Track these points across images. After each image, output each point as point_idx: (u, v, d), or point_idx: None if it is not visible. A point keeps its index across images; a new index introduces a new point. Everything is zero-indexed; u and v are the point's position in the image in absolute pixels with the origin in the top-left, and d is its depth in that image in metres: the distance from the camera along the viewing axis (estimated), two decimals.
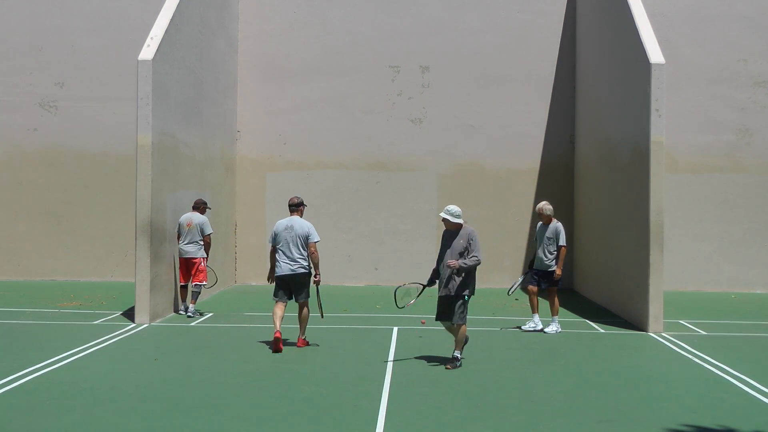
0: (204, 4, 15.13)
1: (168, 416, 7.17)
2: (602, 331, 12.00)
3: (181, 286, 13.05)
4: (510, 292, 12.22)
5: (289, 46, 17.95)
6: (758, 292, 16.87)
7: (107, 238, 17.47)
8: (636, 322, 12.31)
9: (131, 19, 17.32)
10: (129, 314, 12.56)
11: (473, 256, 9.07)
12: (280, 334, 10.05)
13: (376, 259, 17.76)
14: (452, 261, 9.01)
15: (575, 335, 11.64)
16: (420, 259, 17.59)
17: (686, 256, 16.95)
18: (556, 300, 11.79)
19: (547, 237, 11.73)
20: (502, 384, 8.52)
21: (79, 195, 17.59)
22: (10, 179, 17.63)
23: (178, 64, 13.61)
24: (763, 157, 17.11)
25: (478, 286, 9.34)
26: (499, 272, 17.58)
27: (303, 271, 10.16)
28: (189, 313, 12.76)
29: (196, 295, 12.89)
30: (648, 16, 13.15)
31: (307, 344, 10.44)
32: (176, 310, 13.17)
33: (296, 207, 10.37)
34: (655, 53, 12.07)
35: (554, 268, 11.67)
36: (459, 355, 9.23)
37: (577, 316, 13.34)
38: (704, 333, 11.88)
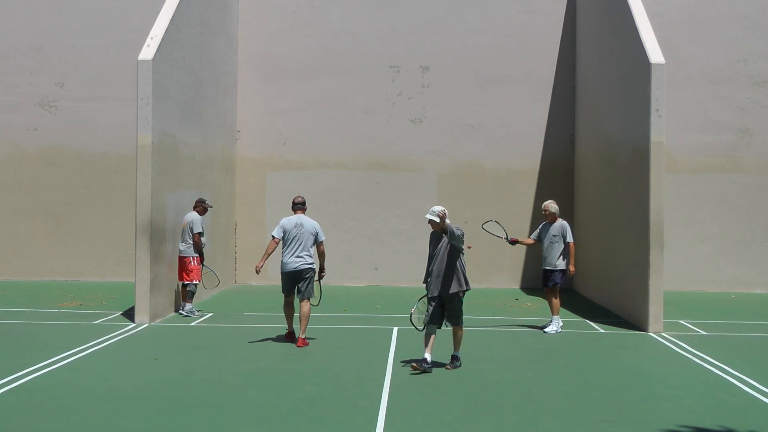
0: (204, 4, 15.13)
1: (168, 416, 7.17)
2: (602, 331, 12.00)
3: (181, 286, 13.08)
4: (484, 226, 11.58)
5: (289, 46, 17.95)
6: (758, 292, 16.87)
7: (107, 238, 17.47)
8: (636, 322, 12.31)
9: (131, 19, 17.32)
10: (129, 314, 12.56)
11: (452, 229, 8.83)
12: (294, 334, 10.77)
13: (376, 259, 17.76)
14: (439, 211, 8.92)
15: (575, 335, 11.64)
16: (420, 259, 17.53)
17: (686, 256, 16.95)
18: (556, 300, 11.77)
19: (553, 235, 11.76)
20: (502, 384, 8.52)
21: (79, 195, 17.59)
22: (10, 179, 17.63)
23: (178, 64, 13.61)
24: (763, 157, 17.11)
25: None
26: (499, 272, 17.59)
27: (307, 267, 10.53)
28: (182, 312, 12.84)
29: (190, 294, 12.90)
30: (648, 16, 13.14)
31: (307, 344, 10.49)
32: (176, 310, 13.19)
33: (303, 205, 10.74)
34: (655, 53, 12.07)
35: (562, 266, 11.69)
36: (459, 355, 9.25)
37: (577, 316, 13.34)
38: (704, 333, 11.88)
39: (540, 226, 12.06)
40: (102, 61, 17.55)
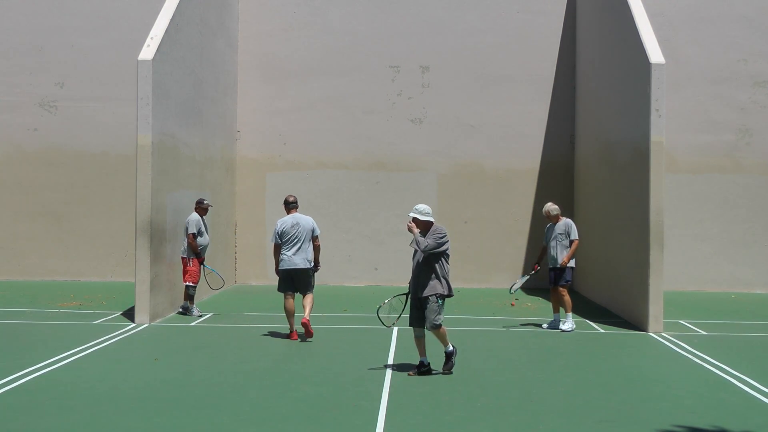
0: (204, 4, 15.13)
1: (168, 416, 7.17)
2: (602, 331, 12.00)
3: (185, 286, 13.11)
4: (512, 291, 12.25)
5: (289, 46, 17.95)
6: (758, 292, 16.86)
7: (107, 238, 17.47)
8: (636, 322, 12.31)
9: (131, 19, 17.32)
10: (129, 314, 12.56)
11: (426, 240, 8.67)
12: (297, 335, 10.86)
13: (376, 259, 17.76)
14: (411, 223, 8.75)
15: (575, 335, 11.64)
16: None
17: (686, 256, 16.95)
18: (567, 297, 11.82)
19: (559, 234, 11.85)
20: (502, 384, 8.52)
21: (79, 195, 17.59)
22: (10, 179, 17.62)
23: (178, 64, 13.61)
24: (763, 157, 17.11)
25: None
26: (499, 272, 17.58)
27: (307, 266, 10.83)
28: (179, 309, 13.03)
29: (188, 295, 12.89)
30: (648, 16, 13.14)
31: (312, 333, 10.76)
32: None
33: (296, 204, 11.02)
34: (655, 53, 12.07)
35: (570, 265, 11.77)
36: (452, 348, 8.88)
37: (577, 316, 13.34)
38: (704, 333, 11.88)
39: (546, 229, 12.13)
40: (102, 61, 17.55)
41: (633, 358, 10.17)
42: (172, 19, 13.15)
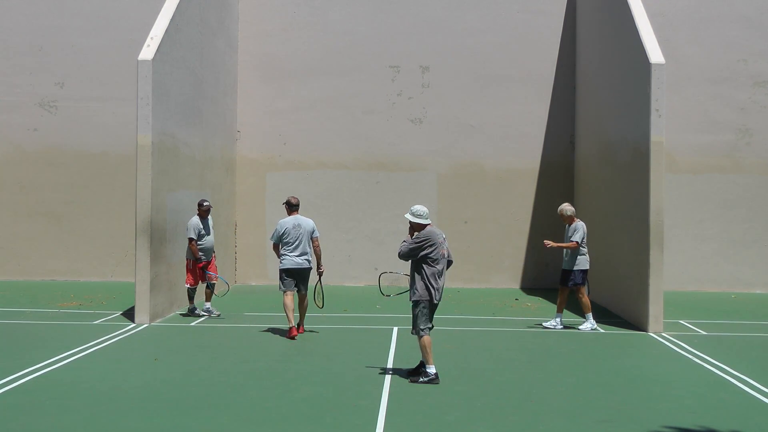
0: (204, 4, 15.13)
1: (168, 416, 7.17)
2: (602, 331, 12.00)
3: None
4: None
5: (289, 46, 17.95)
6: (758, 292, 16.86)
7: (107, 238, 17.47)
8: (636, 322, 12.31)
9: (131, 19, 17.32)
10: (129, 314, 12.56)
11: (401, 245, 8.61)
12: (296, 330, 11.10)
13: (376, 259, 17.74)
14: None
15: (575, 335, 11.64)
16: None
17: (686, 256, 16.95)
18: (584, 298, 11.86)
19: (569, 236, 11.94)
20: (502, 384, 8.52)
21: (79, 195, 17.58)
22: (10, 179, 17.62)
23: (178, 64, 13.61)
24: (763, 157, 17.10)
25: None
26: (499, 272, 17.59)
27: (308, 265, 11.24)
28: (187, 311, 13.05)
29: (188, 295, 12.95)
30: (648, 16, 13.14)
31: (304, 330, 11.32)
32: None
33: (298, 207, 11.37)
34: (655, 53, 12.07)
35: (582, 266, 11.81)
36: (428, 369, 8.48)
37: (578, 316, 13.33)
38: (704, 333, 11.88)
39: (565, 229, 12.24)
40: (102, 61, 17.54)
41: (633, 358, 10.17)
42: (172, 19, 13.15)
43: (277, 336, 11.21)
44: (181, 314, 12.92)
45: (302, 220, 11.19)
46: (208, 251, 12.86)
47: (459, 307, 13.98)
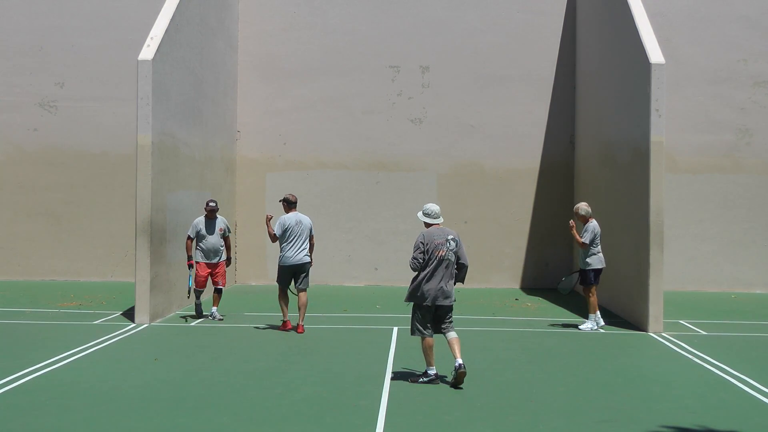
0: (204, 4, 15.13)
1: (168, 416, 7.17)
2: (602, 331, 12.00)
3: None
4: (559, 287, 12.72)
5: (289, 46, 17.95)
6: (758, 292, 16.86)
7: (107, 238, 17.47)
8: (636, 322, 12.31)
9: (131, 19, 17.32)
10: (129, 314, 12.56)
11: None
12: (290, 323, 11.54)
13: (376, 259, 17.76)
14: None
15: (575, 335, 11.64)
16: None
17: (686, 256, 16.95)
18: (592, 298, 11.90)
19: (581, 236, 12.00)
20: (502, 384, 8.52)
21: (79, 195, 17.58)
22: (10, 179, 17.62)
23: (178, 64, 13.61)
24: (763, 157, 17.11)
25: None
26: (499, 272, 17.59)
27: (308, 261, 11.55)
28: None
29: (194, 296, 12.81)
30: (648, 16, 13.14)
31: (303, 331, 11.42)
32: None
33: (296, 204, 11.71)
34: (655, 53, 12.07)
35: (594, 266, 11.88)
36: (428, 370, 8.47)
37: (577, 316, 13.34)
38: (704, 333, 11.88)
39: None
40: (102, 61, 17.54)
41: (633, 358, 10.17)
42: (172, 19, 13.15)
43: (277, 336, 11.21)
44: (182, 316, 12.86)
45: (302, 217, 11.54)
46: (208, 252, 12.50)
47: (459, 307, 13.90)
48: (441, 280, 8.42)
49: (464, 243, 8.94)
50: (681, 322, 12.78)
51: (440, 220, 8.62)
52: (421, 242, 8.44)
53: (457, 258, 8.54)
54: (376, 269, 17.78)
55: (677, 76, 16.62)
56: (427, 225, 8.63)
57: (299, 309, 11.47)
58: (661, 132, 11.93)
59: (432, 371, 8.46)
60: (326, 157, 17.87)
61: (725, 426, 7.03)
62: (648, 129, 11.93)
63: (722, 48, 17.11)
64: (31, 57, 17.62)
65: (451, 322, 8.63)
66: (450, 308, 8.60)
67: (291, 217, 11.44)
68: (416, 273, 8.49)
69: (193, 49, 14.45)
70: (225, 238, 12.63)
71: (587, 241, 11.83)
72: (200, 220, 12.52)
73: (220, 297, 12.70)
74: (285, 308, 11.59)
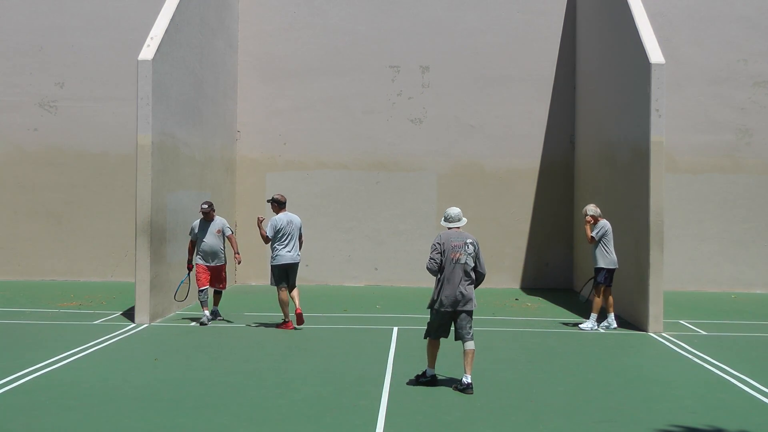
0: (204, 4, 15.13)
1: (168, 416, 7.17)
2: (602, 331, 12.00)
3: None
4: (580, 296, 12.92)
5: (289, 46, 17.95)
6: (758, 292, 16.86)
7: (107, 238, 17.46)
8: (636, 322, 12.31)
9: (131, 19, 17.31)
10: (129, 314, 12.55)
11: None
12: (292, 324, 11.63)
13: (376, 259, 17.76)
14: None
15: (575, 335, 11.65)
16: (420, 259, 17.57)
17: (686, 256, 16.94)
18: (597, 300, 11.94)
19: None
20: (502, 384, 8.52)
21: (79, 195, 17.58)
22: (10, 179, 17.62)
23: (178, 64, 13.61)
24: (763, 157, 17.10)
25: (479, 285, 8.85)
26: (499, 272, 17.57)
27: (299, 259, 11.78)
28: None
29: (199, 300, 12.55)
30: (648, 16, 13.14)
31: (303, 320, 11.67)
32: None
33: (285, 204, 11.83)
34: (655, 53, 12.07)
35: (600, 264, 11.92)
36: (429, 372, 8.45)
37: (577, 316, 13.34)
38: (704, 333, 11.88)
39: None
40: (102, 61, 17.54)
41: (633, 358, 10.17)
42: (172, 19, 13.15)
43: (277, 336, 11.21)
44: (185, 318, 12.82)
45: (292, 217, 11.71)
46: (206, 255, 12.18)
47: None
48: (459, 285, 8.21)
49: None
50: (681, 322, 12.78)
51: (461, 223, 8.43)
52: (437, 243, 8.29)
53: (475, 264, 8.35)
54: (376, 269, 17.77)
55: (677, 76, 16.62)
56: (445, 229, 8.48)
57: (294, 299, 11.72)
58: (661, 132, 11.93)
59: (430, 372, 8.39)
60: (326, 157, 17.87)
61: (725, 426, 7.03)
62: (648, 129, 11.93)
63: (722, 48, 17.11)
64: (31, 57, 17.62)
65: (470, 329, 8.37)
66: (470, 314, 8.36)
67: (282, 218, 11.56)
68: (436, 278, 8.31)
69: (193, 49, 14.46)
70: (228, 238, 12.41)
71: (596, 236, 11.85)
72: (196, 223, 12.31)
73: (219, 297, 12.66)
74: (287, 308, 11.65)
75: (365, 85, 17.85)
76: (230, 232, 12.53)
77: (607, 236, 11.93)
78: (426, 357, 8.52)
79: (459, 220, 8.44)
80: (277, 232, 11.46)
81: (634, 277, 12.46)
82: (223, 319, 12.46)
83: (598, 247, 11.94)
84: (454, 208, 8.53)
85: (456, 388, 8.19)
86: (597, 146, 15.43)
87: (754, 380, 8.70)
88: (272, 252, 11.58)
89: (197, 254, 12.25)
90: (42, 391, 7.97)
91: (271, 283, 11.75)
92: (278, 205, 11.70)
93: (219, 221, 12.38)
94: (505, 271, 17.63)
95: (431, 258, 8.25)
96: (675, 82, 16.27)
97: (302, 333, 11.42)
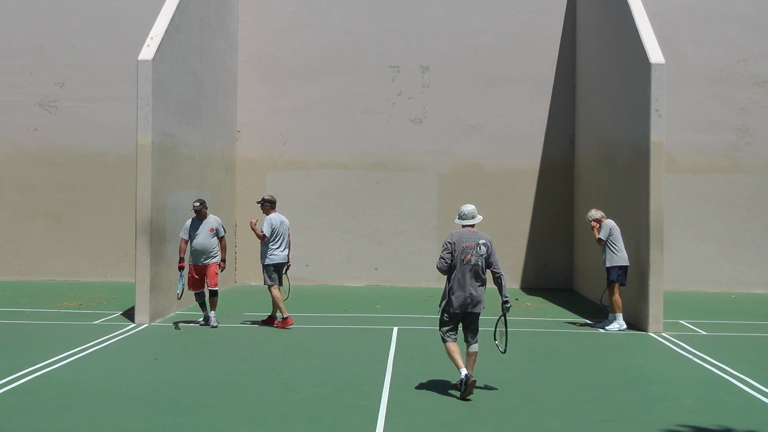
0: (204, 4, 15.13)
1: (168, 416, 7.17)
2: (602, 331, 12.00)
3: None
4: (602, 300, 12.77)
5: (289, 46, 17.95)
6: (758, 292, 16.86)
7: (107, 238, 17.47)
8: (636, 322, 12.31)
9: (131, 19, 17.32)
10: (129, 314, 12.56)
11: None
12: (278, 319, 11.98)
13: (376, 259, 17.76)
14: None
15: (575, 335, 11.64)
16: (420, 259, 17.61)
17: (686, 256, 16.95)
18: (616, 298, 11.96)
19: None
20: (502, 384, 8.52)
21: (79, 195, 17.58)
22: (10, 179, 17.62)
23: (178, 64, 13.61)
24: (763, 157, 17.10)
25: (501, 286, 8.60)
26: None
27: (287, 260, 12.04)
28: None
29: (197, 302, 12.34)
30: (648, 16, 13.14)
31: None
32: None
33: (275, 204, 12.08)
34: (655, 53, 12.07)
35: (609, 264, 11.97)
36: (463, 373, 8.06)
37: (577, 316, 13.34)
38: (704, 333, 11.88)
39: None
40: (102, 61, 17.54)
41: (633, 358, 10.17)
42: (172, 19, 13.15)
43: (277, 336, 11.22)
44: (174, 322, 12.69)
45: (283, 218, 12.02)
46: (195, 253, 11.88)
47: None
48: (469, 286, 8.01)
49: None
50: (681, 322, 12.78)
51: (475, 221, 8.13)
52: (448, 242, 8.02)
53: (489, 264, 8.10)
54: (376, 269, 17.77)
55: (677, 76, 16.63)
56: (457, 227, 8.26)
57: (280, 304, 11.90)
58: (661, 132, 11.93)
59: (462, 372, 7.94)
60: (326, 157, 17.87)
61: (725, 426, 7.03)
62: (648, 129, 11.94)
63: (722, 48, 17.11)
64: (31, 57, 17.62)
65: (476, 331, 8.22)
66: (477, 316, 8.18)
67: (276, 218, 11.84)
68: (446, 277, 8.11)
69: (193, 49, 14.45)
70: (220, 238, 12.05)
71: (603, 237, 11.87)
72: (189, 221, 12.00)
73: (215, 300, 12.05)
74: (282, 306, 11.77)
75: (365, 85, 17.85)
76: (223, 233, 12.14)
77: (613, 235, 11.97)
78: (452, 361, 8.12)
79: (473, 217, 8.13)
80: (272, 232, 11.74)
81: (634, 277, 12.46)
82: (216, 327, 11.76)
83: (606, 247, 11.96)
84: (469, 205, 8.25)
85: (457, 388, 8.02)
86: (597, 146, 15.43)
87: (754, 380, 8.70)
88: (266, 251, 11.80)
89: (189, 253, 11.98)
90: (42, 391, 7.97)
91: (265, 282, 11.89)
92: (270, 205, 11.96)
93: (212, 220, 12.06)
94: (505, 271, 17.22)
95: (441, 257, 8.03)
96: (675, 82, 16.27)
97: (302, 333, 11.42)
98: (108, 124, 17.51)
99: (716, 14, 17.15)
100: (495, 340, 8.43)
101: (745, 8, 17.15)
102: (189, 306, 13.45)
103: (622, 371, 9.28)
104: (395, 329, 11.76)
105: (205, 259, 11.94)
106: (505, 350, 8.49)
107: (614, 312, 12.01)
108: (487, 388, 8.07)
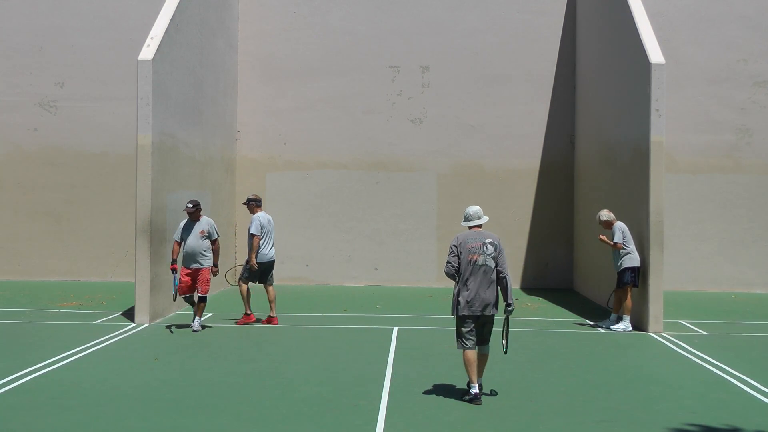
0: (204, 4, 15.13)
1: (168, 416, 7.17)
2: (602, 331, 12.00)
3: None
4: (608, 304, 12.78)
5: (289, 46, 17.95)
6: (758, 292, 16.86)
7: (107, 238, 17.47)
8: (636, 322, 12.30)
9: (131, 19, 17.32)
10: (129, 314, 12.56)
11: None
12: (254, 316, 12.22)
13: (376, 259, 17.76)
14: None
15: (575, 335, 11.64)
16: (419, 259, 17.61)
17: (686, 256, 16.95)
18: (627, 301, 11.97)
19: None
20: (502, 384, 8.52)
21: (79, 195, 17.59)
22: (10, 179, 17.63)
23: (178, 64, 13.61)
24: (763, 157, 17.11)
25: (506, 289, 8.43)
26: None
27: (275, 257, 12.24)
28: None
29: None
30: (648, 16, 13.15)
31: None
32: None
33: (261, 202, 12.23)
34: (655, 53, 12.07)
35: (624, 265, 11.92)
36: (470, 389, 7.84)
37: (577, 316, 13.34)
38: (704, 333, 11.88)
39: None
40: (102, 61, 17.55)
41: (633, 358, 10.17)
42: (172, 19, 13.15)
43: (277, 336, 11.21)
44: (167, 326, 12.58)
45: (269, 217, 12.22)
46: (185, 257, 11.49)
47: None
48: (479, 288, 7.76)
49: None
50: (681, 322, 12.78)
51: (481, 221, 7.97)
52: (453, 245, 7.86)
53: (495, 264, 7.85)
54: (376, 269, 17.78)
55: (677, 76, 16.63)
56: (464, 229, 8.14)
57: (271, 302, 12.11)
58: (661, 132, 11.93)
59: (474, 389, 7.69)
60: (326, 157, 17.88)
61: (725, 426, 7.03)
62: (648, 129, 11.94)
63: (722, 48, 17.11)
64: (31, 57, 17.63)
65: (488, 335, 7.99)
66: (491, 318, 7.94)
67: (264, 217, 12.00)
68: (455, 281, 7.90)
69: (193, 49, 14.45)
70: (212, 242, 11.56)
71: (619, 241, 11.88)
72: (182, 223, 11.64)
73: (203, 306, 11.60)
74: (248, 302, 12.07)
75: (365, 85, 17.85)
76: (216, 236, 11.61)
77: (626, 237, 11.99)
78: (467, 372, 7.85)
79: (479, 218, 7.98)
80: (262, 231, 11.92)
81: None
82: (197, 331, 11.37)
83: (622, 249, 11.97)
84: (474, 206, 8.10)
85: (465, 399, 7.78)
86: (597, 146, 15.43)
87: (754, 380, 8.70)
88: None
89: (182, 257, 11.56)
90: (42, 391, 7.97)
91: (241, 277, 12.05)
92: (256, 204, 12.09)
93: (205, 222, 11.57)
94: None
95: (447, 261, 7.87)
96: (675, 82, 16.28)
97: (302, 333, 11.42)
98: (108, 124, 17.51)
99: (716, 14, 17.15)
100: (503, 339, 8.38)
101: (745, 8, 17.15)
102: (189, 306, 13.43)
103: (622, 371, 9.28)
104: (395, 329, 11.76)
105: (194, 264, 11.47)
106: (506, 351, 8.49)
107: (622, 313, 12.00)
108: (492, 393, 8.04)
